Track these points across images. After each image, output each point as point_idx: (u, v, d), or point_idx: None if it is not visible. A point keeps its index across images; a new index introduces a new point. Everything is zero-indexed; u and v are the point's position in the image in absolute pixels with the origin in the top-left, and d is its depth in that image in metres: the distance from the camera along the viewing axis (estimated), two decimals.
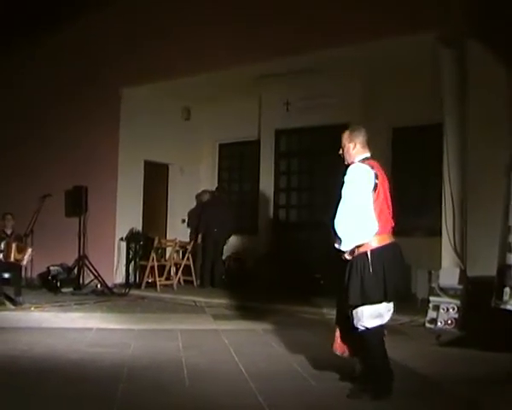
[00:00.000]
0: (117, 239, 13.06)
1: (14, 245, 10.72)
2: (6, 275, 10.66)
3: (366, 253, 4.94)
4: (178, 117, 14.35)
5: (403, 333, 8.00)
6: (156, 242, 12.67)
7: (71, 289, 12.30)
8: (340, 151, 5.34)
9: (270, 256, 12.78)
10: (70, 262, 12.86)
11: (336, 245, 5.04)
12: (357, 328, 5.02)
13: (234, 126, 14.06)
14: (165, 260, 13.23)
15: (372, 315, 4.96)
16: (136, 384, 5.47)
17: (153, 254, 12.53)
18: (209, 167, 14.87)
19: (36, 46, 14.05)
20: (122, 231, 13.06)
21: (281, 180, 13.57)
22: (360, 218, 4.94)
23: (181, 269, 13.19)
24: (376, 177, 5.03)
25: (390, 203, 5.16)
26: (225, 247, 13.32)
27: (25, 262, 10.88)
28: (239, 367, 6.04)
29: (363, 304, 4.93)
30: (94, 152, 13.18)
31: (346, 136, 5.30)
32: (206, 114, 14.55)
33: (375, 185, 5.00)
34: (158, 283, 12.45)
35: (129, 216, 13.17)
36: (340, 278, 5.08)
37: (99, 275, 12.38)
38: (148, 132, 13.20)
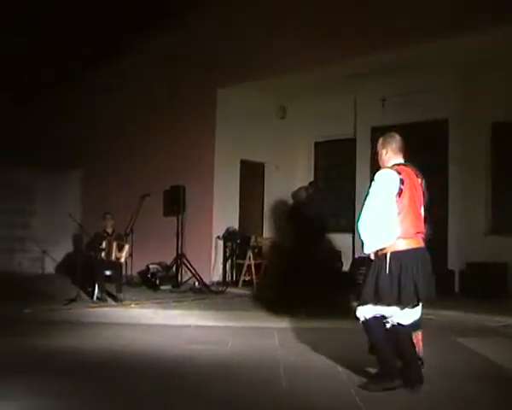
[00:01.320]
0: (214, 238, 13.14)
1: (114, 244, 10.97)
2: (108, 273, 10.94)
3: (386, 255, 5.07)
4: (274, 116, 14.31)
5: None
6: (253, 240, 12.68)
7: (169, 287, 12.49)
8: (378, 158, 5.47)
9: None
10: (168, 260, 13.07)
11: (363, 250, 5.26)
12: (359, 318, 5.26)
13: (329, 124, 13.90)
14: (262, 259, 13.20)
15: (369, 308, 5.18)
16: (233, 382, 5.43)
17: (249, 253, 12.54)
18: (305, 166, 14.76)
19: (136, 52, 14.35)
20: (219, 229, 13.14)
21: None
22: (381, 222, 5.08)
23: None
24: (402, 182, 5.09)
25: (419, 209, 5.25)
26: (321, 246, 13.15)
27: (123, 259, 11.10)
28: (336, 366, 5.91)
29: (375, 303, 5.11)
30: (191, 152, 13.34)
31: (379, 142, 5.47)
32: (301, 112, 14.44)
33: (400, 191, 5.08)
34: (255, 281, 12.43)
35: (225, 215, 13.25)
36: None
37: (197, 273, 12.51)
38: (244, 132, 13.25)
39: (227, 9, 12.86)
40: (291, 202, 13.92)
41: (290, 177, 14.52)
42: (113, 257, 10.93)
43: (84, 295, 10.74)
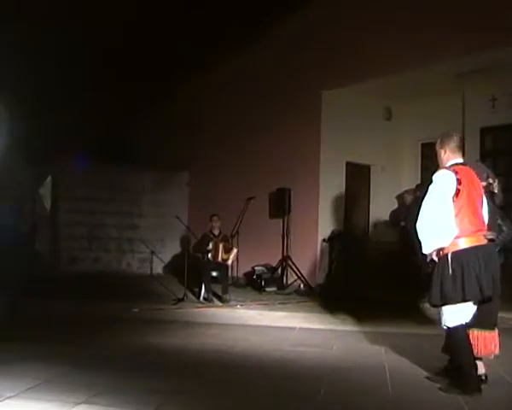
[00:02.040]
0: (319, 240, 13.09)
1: (221, 245, 11.15)
2: (214, 274, 11.12)
3: (447, 255, 5.14)
4: (379, 117, 14.11)
5: None
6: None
7: (274, 289, 12.55)
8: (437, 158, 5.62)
9: None
10: (274, 262, 13.13)
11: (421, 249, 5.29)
12: (444, 326, 5.28)
13: (436, 125, 13.43)
14: None
15: (453, 315, 5.16)
16: (337, 386, 5.40)
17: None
18: (411, 168, 14.43)
19: (242, 55, 14.52)
20: (324, 232, 13.08)
21: None
22: (439, 223, 5.14)
23: None
24: (459, 182, 5.17)
25: (478, 208, 5.29)
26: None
27: (230, 262, 11.27)
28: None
29: (442, 304, 5.19)
30: (296, 154, 13.34)
31: (438, 142, 5.60)
32: (407, 113, 14.18)
33: (457, 191, 5.16)
34: None
35: (331, 217, 13.16)
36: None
37: (302, 275, 12.51)
38: (349, 133, 13.11)
39: (332, 10, 12.80)
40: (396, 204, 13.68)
41: (396, 179, 14.25)
42: (220, 258, 11.11)
43: (191, 296, 10.98)
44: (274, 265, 13.11)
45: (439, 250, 5.22)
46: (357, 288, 12.08)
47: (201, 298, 10.85)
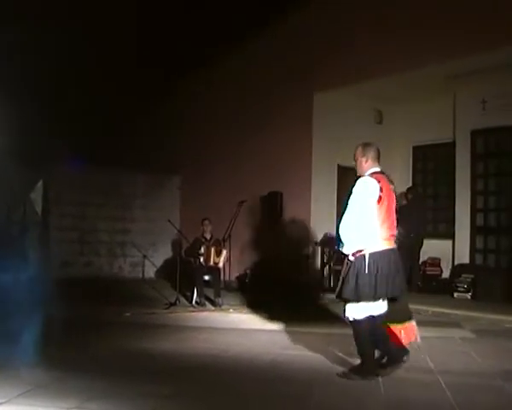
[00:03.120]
0: (311, 244, 13.09)
1: (213, 249, 11.17)
2: (206, 278, 11.11)
3: (364, 256, 5.57)
4: (371, 120, 14.13)
5: None
6: None
7: None
8: (354, 163, 5.96)
9: (471, 262, 12.30)
10: None
11: (340, 248, 5.74)
12: (350, 318, 5.74)
13: (427, 128, 13.58)
14: None
15: (359, 309, 5.64)
16: (331, 389, 5.42)
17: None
18: (403, 171, 14.43)
19: (232, 56, 14.53)
20: (316, 235, 13.08)
21: (478, 183, 12.84)
22: (361, 225, 5.58)
23: None
24: (381, 190, 5.63)
25: (393, 214, 5.83)
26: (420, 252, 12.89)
27: (221, 264, 11.27)
28: (436, 377, 5.76)
29: (356, 300, 5.60)
30: (287, 157, 13.34)
31: (359, 150, 5.94)
32: (398, 115, 14.23)
33: (379, 197, 5.62)
34: None
35: (323, 221, 13.15)
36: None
37: None
38: (341, 136, 13.08)
39: (324, 12, 12.85)
40: None
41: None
42: (212, 262, 11.11)
43: (183, 300, 10.97)
44: None
45: (356, 251, 5.62)
46: None
47: (194, 302, 10.85)
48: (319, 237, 13.08)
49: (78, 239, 14.85)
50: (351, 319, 5.74)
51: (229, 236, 11.88)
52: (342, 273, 5.88)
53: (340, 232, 5.66)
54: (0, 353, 6.05)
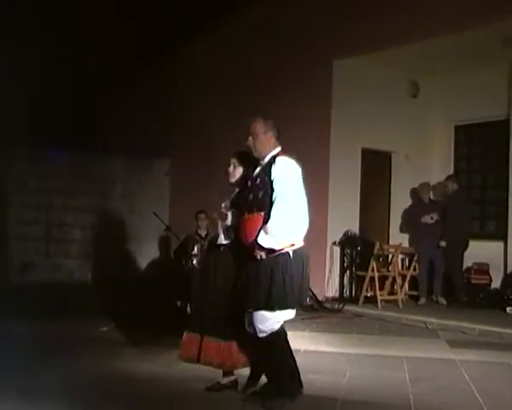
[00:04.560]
0: (329, 244, 13.08)
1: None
2: None
3: (281, 255, 5.47)
4: (403, 94, 14.06)
5: None
6: (377, 248, 12.48)
7: None
8: (249, 140, 5.96)
9: None
10: None
11: (263, 243, 5.41)
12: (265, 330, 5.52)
13: (474, 104, 13.50)
14: (388, 271, 13.01)
15: (277, 318, 5.53)
16: None
17: (373, 263, 12.36)
18: (442, 155, 14.40)
19: (236, 20, 14.51)
20: (335, 234, 13.06)
21: None
22: (297, 216, 5.61)
23: (406, 282, 12.96)
24: None
25: None
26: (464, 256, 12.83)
27: None
28: None
29: (271, 308, 5.43)
30: (301, 139, 13.21)
31: (260, 124, 5.98)
32: (438, 88, 14.17)
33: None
34: (379, 298, 12.27)
35: (343, 216, 13.12)
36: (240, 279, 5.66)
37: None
38: (366, 114, 13.05)
39: None
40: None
41: (423, 169, 14.21)
42: None
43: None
44: None
45: (271, 249, 5.45)
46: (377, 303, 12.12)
47: (189, 311, 10.79)
48: (338, 235, 13.03)
49: (43, 236, 14.83)
50: (267, 331, 5.55)
51: None
52: (249, 276, 5.59)
53: (272, 225, 5.47)
54: None
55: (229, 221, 6.14)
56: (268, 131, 5.93)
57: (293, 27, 13.44)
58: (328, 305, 12.24)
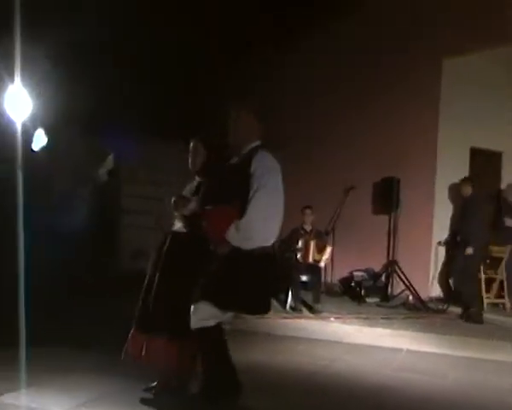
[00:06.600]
0: (434, 243, 12.90)
1: (312, 243, 11.06)
2: (304, 278, 11.07)
3: (248, 254, 5.01)
4: None
5: None
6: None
7: (377, 300, 12.40)
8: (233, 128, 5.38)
9: None
10: (377, 267, 13.00)
11: (233, 240, 4.99)
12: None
13: None
14: (496, 273, 12.69)
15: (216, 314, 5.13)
16: None
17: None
18: None
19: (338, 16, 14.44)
20: (440, 233, 12.86)
21: None
22: (273, 217, 5.17)
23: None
24: None
25: None
26: None
27: (323, 263, 11.18)
28: None
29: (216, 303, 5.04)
30: (407, 136, 13.13)
31: (245, 112, 5.38)
32: None
33: None
34: (485, 300, 12.01)
35: (449, 216, 12.91)
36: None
37: (411, 285, 12.30)
38: (477, 112, 12.78)
39: None
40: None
41: None
42: (311, 259, 11.05)
43: (275, 304, 10.97)
44: (377, 271, 12.99)
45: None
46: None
47: (288, 307, 10.84)
48: (443, 235, 12.83)
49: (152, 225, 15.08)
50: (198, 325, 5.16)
51: (333, 229, 11.81)
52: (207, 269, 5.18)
53: (248, 224, 4.99)
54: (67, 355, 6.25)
55: (190, 209, 5.79)
56: (252, 121, 5.43)
57: (403, 26, 13.27)
58: (431, 305, 12.05)
